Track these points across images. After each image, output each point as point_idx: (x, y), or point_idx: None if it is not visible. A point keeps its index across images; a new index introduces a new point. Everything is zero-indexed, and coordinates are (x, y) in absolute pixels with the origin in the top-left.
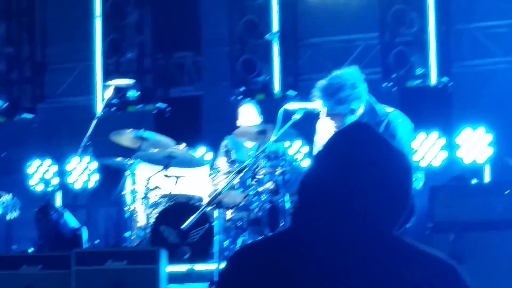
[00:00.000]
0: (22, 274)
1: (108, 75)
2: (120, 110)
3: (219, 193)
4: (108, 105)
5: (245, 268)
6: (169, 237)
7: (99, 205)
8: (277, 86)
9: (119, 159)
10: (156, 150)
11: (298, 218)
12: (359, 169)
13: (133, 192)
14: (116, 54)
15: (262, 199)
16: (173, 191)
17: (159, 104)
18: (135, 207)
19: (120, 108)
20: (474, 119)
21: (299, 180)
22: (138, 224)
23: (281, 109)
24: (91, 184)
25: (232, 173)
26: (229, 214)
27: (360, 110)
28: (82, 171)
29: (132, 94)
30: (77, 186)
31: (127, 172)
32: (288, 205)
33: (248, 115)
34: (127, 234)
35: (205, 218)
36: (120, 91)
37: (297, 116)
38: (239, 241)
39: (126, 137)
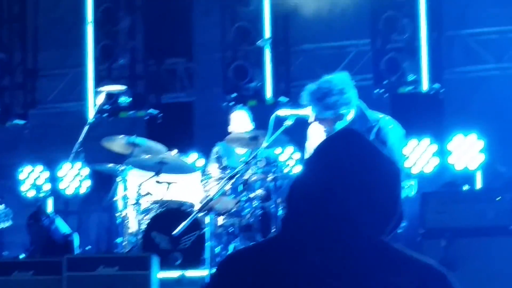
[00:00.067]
0: (13, 280)
1: (100, 81)
2: (112, 116)
3: (211, 199)
4: (100, 111)
5: (234, 274)
6: (160, 243)
7: (90, 211)
8: (269, 92)
9: (110, 165)
10: (147, 156)
11: (287, 224)
12: (348, 175)
13: (125, 198)
14: (108, 60)
15: (254, 205)
16: (164, 197)
17: (151, 110)
18: (126, 213)
19: (112, 114)
20: (466, 126)
21: (289, 186)
22: (130, 230)
23: (273, 115)
24: (82, 190)
25: (224, 179)
26: (220, 220)
27: (350, 116)
28: (74, 177)
29: (124, 100)
30: (69, 192)
31: (119, 178)
32: (279, 211)
33: (240, 121)
34: (118, 240)
35: (196, 224)
36: (112, 97)
37: (288, 122)
38: (231, 247)
39: (118, 143)
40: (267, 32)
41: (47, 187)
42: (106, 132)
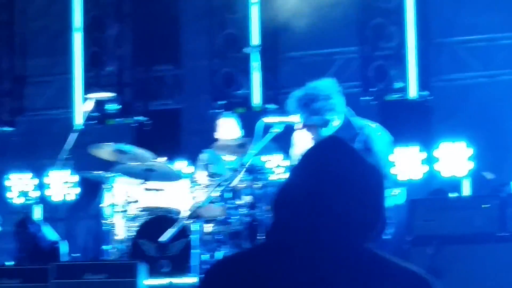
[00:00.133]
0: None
1: (88, 88)
2: (100, 123)
3: (198, 207)
4: (88, 118)
5: (222, 281)
6: (148, 250)
7: (78, 218)
8: (257, 100)
9: (98, 172)
10: (135, 163)
11: (273, 231)
12: (332, 182)
13: (113, 205)
14: (96, 67)
15: (241, 213)
16: (152, 204)
17: (139, 117)
18: (114, 220)
19: (100, 121)
20: (454, 133)
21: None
22: (117, 237)
23: (259, 122)
24: (70, 197)
25: (211, 187)
26: (208, 227)
27: (336, 122)
28: (62, 184)
29: (112, 107)
30: (57, 199)
31: (107, 185)
32: (267, 218)
33: (227, 128)
34: (106, 247)
35: (184, 232)
36: (100, 104)
37: (276, 130)
38: (219, 255)
39: (106, 150)
40: (255, 40)
41: (35, 194)
42: (94, 139)
